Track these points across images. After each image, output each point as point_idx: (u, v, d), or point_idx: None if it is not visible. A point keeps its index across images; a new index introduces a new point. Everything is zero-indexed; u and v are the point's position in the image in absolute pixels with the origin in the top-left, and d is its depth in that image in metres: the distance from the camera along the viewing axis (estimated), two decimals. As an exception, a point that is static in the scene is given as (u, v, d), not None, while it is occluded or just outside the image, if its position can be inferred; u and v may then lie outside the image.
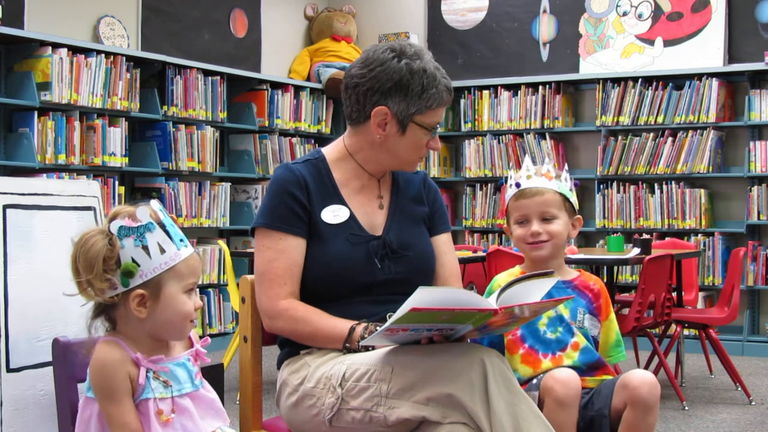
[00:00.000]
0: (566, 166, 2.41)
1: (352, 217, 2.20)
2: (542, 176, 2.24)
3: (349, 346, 2.04)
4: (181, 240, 1.77)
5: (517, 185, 2.26)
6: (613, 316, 2.31)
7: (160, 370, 1.75)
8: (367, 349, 2.02)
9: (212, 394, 1.86)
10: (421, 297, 1.74)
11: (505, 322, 1.93)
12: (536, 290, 1.91)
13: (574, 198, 2.28)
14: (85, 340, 1.78)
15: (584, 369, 2.18)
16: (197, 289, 1.82)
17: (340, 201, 2.21)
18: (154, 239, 1.71)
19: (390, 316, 1.82)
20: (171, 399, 1.75)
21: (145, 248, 1.71)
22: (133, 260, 1.70)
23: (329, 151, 2.29)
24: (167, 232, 1.74)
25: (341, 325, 2.07)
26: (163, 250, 1.72)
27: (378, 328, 1.96)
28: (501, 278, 2.27)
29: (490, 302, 1.81)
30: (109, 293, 1.72)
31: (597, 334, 2.27)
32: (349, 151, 2.26)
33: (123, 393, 1.71)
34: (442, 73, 2.19)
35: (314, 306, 2.13)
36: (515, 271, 2.30)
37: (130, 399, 1.72)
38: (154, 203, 1.77)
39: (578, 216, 2.30)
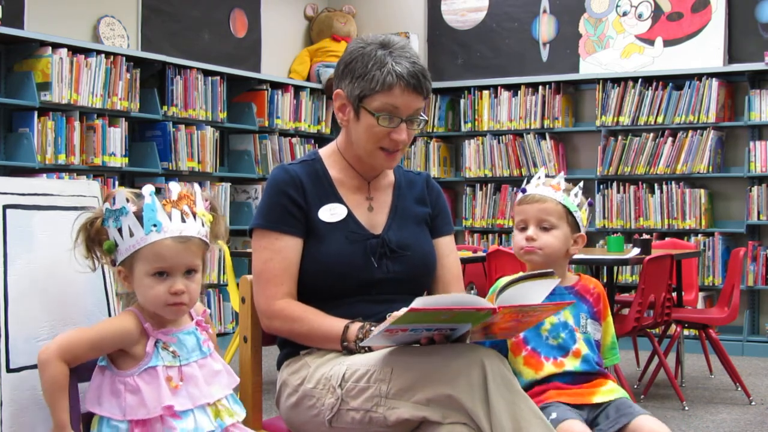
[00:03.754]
0: (581, 184, 2.40)
1: (350, 215, 2.19)
2: (549, 186, 2.26)
3: (346, 344, 2.04)
4: (155, 225, 1.80)
5: (523, 191, 2.28)
6: (610, 318, 2.31)
7: (169, 341, 1.83)
8: (366, 349, 2.02)
9: (219, 365, 1.90)
10: (420, 300, 1.74)
11: (508, 326, 1.92)
12: (536, 292, 1.90)
13: (580, 214, 2.26)
14: None
15: (584, 375, 2.18)
16: (183, 274, 1.82)
17: (338, 199, 2.21)
18: (126, 223, 1.81)
19: (390, 317, 1.82)
20: (179, 368, 1.82)
21: (119, 230, 1.82)
22: (114, 240, 1.83)
23: (325, 150, 2.30)
24: (141, 218, 1.81)
25: (337, 324, 2.07)
26: (132, 234, 1.81)
27: (374, 327, 1.96)
28: (505, 280, 2.26)
29: (489, 302, 1.81)
30: (107, 266, 1.90)
31: (600, 338, 2.27)
32: (339, 149, 2.27)
33: (119, 341, 1.80)
34: (410, 61, 2.10)
35: (314, 305, 2.12)
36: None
37: (118, 347, 1.81)
38: (147, 188, 1.84)
39: (582, 234, 2.29)
